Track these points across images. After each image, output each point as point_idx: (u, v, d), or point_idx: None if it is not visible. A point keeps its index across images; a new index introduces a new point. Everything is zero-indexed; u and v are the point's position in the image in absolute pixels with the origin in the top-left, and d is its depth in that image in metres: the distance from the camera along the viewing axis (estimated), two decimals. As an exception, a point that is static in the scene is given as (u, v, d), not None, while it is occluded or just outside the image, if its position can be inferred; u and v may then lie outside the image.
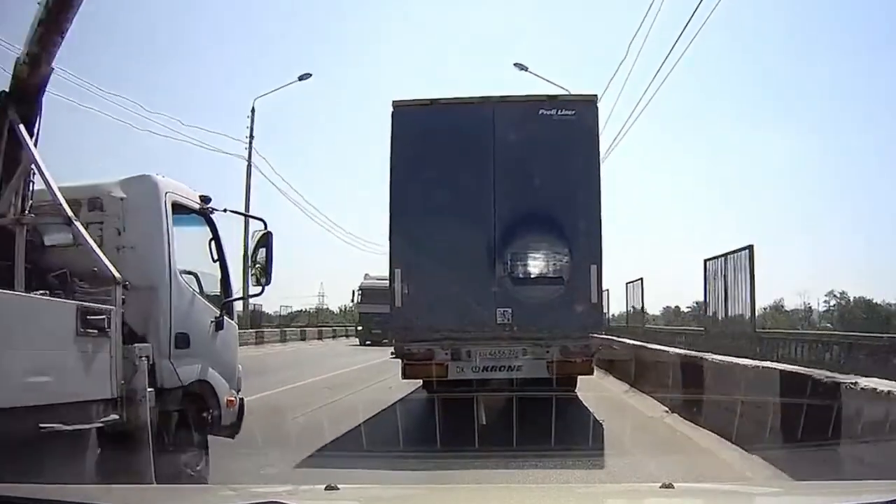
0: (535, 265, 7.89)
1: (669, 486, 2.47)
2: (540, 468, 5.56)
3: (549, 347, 7.86)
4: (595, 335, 8.50)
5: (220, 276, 5.67)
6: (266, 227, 5.73)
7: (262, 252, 5.70)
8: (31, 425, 3.49)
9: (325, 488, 2.32)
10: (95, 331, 4.00)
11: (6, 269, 4.22)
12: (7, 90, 4.49)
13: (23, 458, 3.39)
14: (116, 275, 4.34)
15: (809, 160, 59.30)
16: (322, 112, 77.56)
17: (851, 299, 40.51)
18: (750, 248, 11.79)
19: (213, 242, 5.60)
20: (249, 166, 23.96)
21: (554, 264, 7.83)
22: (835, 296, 41.61)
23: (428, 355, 7.83)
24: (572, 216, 7.94)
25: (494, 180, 7.92)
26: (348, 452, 6.28)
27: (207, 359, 5.23)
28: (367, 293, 30.65)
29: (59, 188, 4.49)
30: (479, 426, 6.54)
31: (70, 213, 4.41)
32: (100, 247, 4.45)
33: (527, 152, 8.03)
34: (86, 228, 4.49)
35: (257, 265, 5.70)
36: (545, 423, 6.06)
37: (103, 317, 4.07)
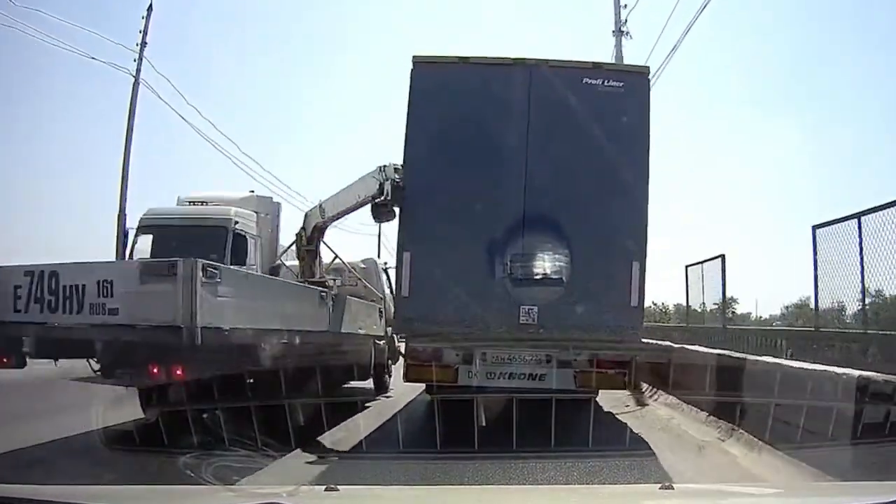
0: (569, 259, 7.00)
1: (669, 486, 2.48)
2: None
3: (577, 355, 6.96)
4: (632, 343, 7.27)
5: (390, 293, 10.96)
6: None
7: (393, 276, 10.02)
8: (371, 342, 9.82)
9: (325, 489, 2.33)
10: (380, 314, 10.28)
11: None
12: (315, 227, 9.59)
13: (358, 355, 9.32)
14: (381, 295, 10.82)
15: (838, 149, 56.66)
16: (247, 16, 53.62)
17: (888, 297, 38.47)
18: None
19: (386, 279, 11.43)
20: (136, 84, 17.97)
21: (591, 259, 7.01)
22: (870, 294, 39.56)
23: (435, 356, 7.03)
24: (615, 205, 7.10)
25: (527, 156, 7.03)
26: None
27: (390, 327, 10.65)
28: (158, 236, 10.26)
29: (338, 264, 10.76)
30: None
31: (359, 275, 10.89)
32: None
33: (566, 126, 7.13)
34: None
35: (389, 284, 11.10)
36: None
37: (381, 309, 10.39)
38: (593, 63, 7.52)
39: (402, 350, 7.99)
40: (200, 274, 5.02)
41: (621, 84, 7.22)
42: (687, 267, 14.94)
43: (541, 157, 7.07)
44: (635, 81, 7.38)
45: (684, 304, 16.10)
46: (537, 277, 7.02)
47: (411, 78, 7.25)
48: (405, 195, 7.16)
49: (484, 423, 6.69)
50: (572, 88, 7.10)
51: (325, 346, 7.56)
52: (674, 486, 2.50)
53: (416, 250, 7.09)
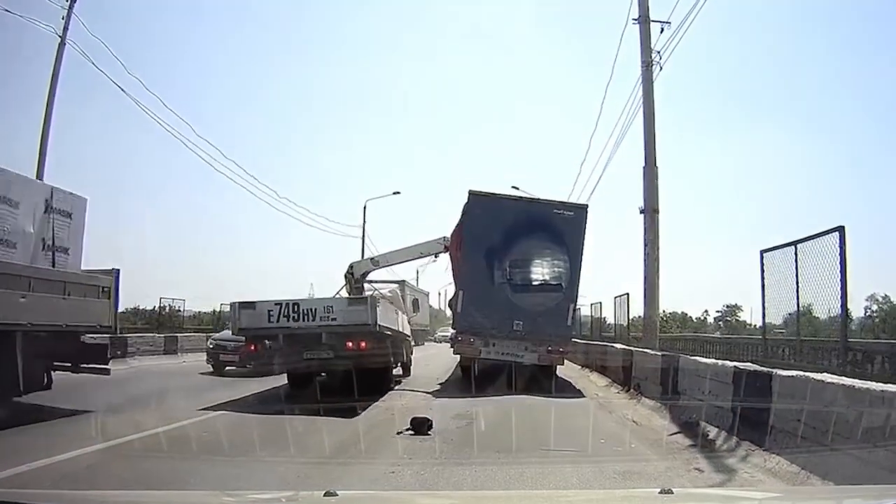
0: (539, 298, 13.36)
1: (669, 491, 2.47)
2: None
3: (540, 346, 13.33)
4: (563, 345, 13.83)
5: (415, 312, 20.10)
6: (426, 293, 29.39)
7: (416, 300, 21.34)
8: (407, 340, 16.19)
9: (325, 494, 2.32)
10: (408, 322, 16.49)
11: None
12: (364, 273, 16.81)
13: (402, 348, 15.14)
14: (404, 310, 15.73)
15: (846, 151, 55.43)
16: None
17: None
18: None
19: (415, 300, 20.82)
20: (63, 44, 15.54)
21: (550, 300, 13.36)
22: (877, 300, 38.17)
23: (470, 342, 13.60)
24: (564, 275, 13.48)
25: (524, 248, 13.42)
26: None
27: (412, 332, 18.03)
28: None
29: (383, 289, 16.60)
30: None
31: (401, 300, 16.15)
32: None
33: (544, 234, 13.44)
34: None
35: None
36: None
37: (408, 320, 16.53)
38: (560, 202, 14.42)
39: (453, 338, 14.39)
40: (377, 303, 11.15)
41: (572, 213, 13.74)
42: (763, 252, 10.44)
43: (532, 249, 13.60)
44: (580, 211, 13.93)
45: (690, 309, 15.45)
46: (522, 309, 13.23)
47: (468, 202, 13.81)
48: (463, 263, 14.05)
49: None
50: (548, 215, 13.63)
51: (393, 338, 13.05)
52: (673, 490, 2.49)
53: (465, 290, 13.72)
